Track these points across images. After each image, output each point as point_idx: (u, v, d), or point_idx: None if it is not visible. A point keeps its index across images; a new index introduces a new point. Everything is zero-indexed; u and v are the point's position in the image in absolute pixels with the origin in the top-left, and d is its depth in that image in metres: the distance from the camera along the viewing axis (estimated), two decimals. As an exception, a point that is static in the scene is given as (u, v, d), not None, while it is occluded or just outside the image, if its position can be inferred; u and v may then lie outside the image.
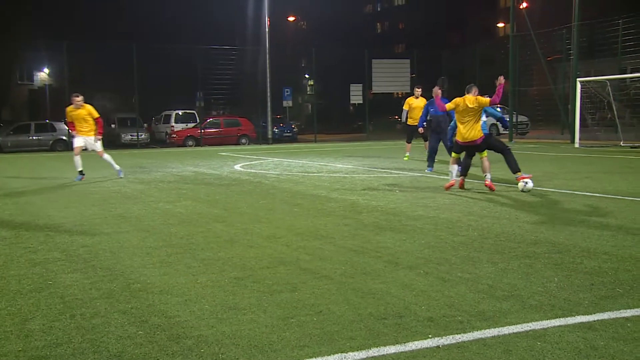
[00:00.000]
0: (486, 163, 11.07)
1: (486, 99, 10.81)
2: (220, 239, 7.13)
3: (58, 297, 4.92)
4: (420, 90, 17.87)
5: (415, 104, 17.85)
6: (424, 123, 15.54)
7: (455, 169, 11.32)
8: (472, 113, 10.86)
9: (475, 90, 11.14)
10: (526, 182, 10.52)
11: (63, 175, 15.87)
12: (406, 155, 18.63)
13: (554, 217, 8.18)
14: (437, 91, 12.72)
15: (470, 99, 10.89)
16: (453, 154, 11.55)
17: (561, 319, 4.19)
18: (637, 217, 8.01)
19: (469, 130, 10.91)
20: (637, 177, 12.70)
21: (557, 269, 5.49)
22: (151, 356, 3.72)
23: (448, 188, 11.16)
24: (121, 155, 25.38)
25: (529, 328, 4.03)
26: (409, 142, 18.79)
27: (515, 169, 11.10)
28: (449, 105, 11.49)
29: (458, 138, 11.27)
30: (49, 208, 9.84)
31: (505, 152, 11.35)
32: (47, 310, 4.59)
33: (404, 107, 18.27)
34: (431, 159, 15.18)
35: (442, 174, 13.90)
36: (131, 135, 34.54)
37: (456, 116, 11.31)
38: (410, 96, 17.85)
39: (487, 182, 10.82)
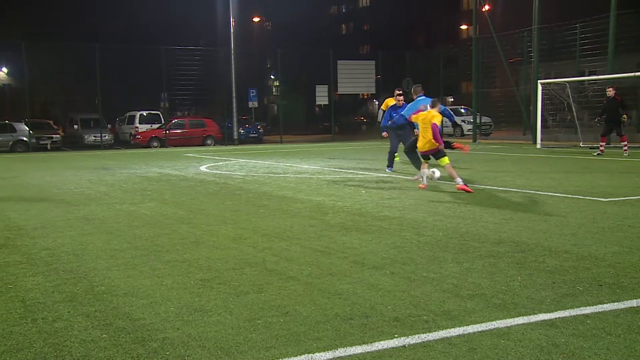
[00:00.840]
0: (450, 170, 11.19)
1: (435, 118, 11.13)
2: (186, 240, 7.07)
3: (19, 301, 4.82)
4: (400, 91, 17.75)
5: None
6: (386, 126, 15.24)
7: (425, 173, 11.62)
8: (428, 126, 11.08)
9: (439, 106, 11.36)
10: (433, 172, 11.48)
11: (24, 176, 15.55)
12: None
13: (517, 216, 8.31)
14: (399, 98, 13.69)
15: (434, 115, 11.12)
16: (422, 160, 11.88)
17: (524, 317, 4.27)
18: (597, 216, 8.19)
19: (425, 143, 11.35)
20: (595, 177, 12.98)
21: (520, 268, 5.59)
22: (115, 359, 3.67)
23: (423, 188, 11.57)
24: (84, 156, 24.99)
25: (493, 326, 4.09)
26: None
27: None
28: (414, 118, 11.72)
29: (418, 148, 11.71)
30: (9, 210, 9.64)
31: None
32: (7, 315, 4.50)
33: (381, 108, 18.10)
34: (391, 159, 15.25)
35: (407, 174, 14.01)
36: (94, 136, 34.03)
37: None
38: (389, 97, 17.42)
39: (459, 186, 10.85)
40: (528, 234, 7.07)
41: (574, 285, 5.02)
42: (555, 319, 4.22)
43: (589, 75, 29.00)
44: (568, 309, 4.42)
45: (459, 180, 10.93)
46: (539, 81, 25.91)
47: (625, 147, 19.11)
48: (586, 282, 5.11)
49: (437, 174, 11.40)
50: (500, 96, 35.66)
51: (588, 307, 4.44)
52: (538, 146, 24.94)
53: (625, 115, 19.35)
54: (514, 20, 35.45)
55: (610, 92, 19.28)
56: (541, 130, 25.43)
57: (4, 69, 51.48)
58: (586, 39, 27.46)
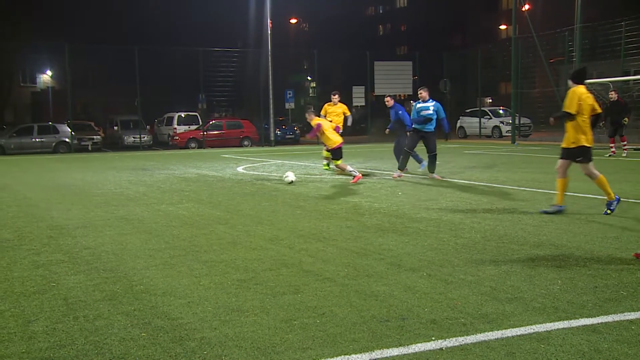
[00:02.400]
0: (342, 165, 13.42)
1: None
2: (223, 241, 7.13)
3: (61, 299, 4.92)
4: (337, 96, 18.24)
5: (331, 110, 17.93)
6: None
7: (349, 168, 13.46)
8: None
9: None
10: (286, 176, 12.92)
11: (66, 177, 15.88)
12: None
13: (557, 219, 8.16)
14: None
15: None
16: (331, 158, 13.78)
17: (565, 321, 4.19)
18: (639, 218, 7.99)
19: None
20: (639, 178, 12.68)
21: (560, 271, 5.48)
22: (154, 358, 3.72)
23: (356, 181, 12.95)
24: (124, 157, 25.42)
25: (532, 331, 4.03)
26: None
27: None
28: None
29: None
30: (51, 210, 9.86)
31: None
32: (50, 312, 4.59)
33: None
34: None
35: (448, 178, 13.90)
36: (134, 137, 34.56)
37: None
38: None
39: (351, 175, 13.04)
40: (569, 237, 6.93)
41: (617, 289, 4.91)
42: (598, 324, 4.13)
43: (634, 75, 28.32)
44: (611, 314, 4.32)
45: (349, 168, 13.20)
46: (580, 81, 25.41)
47: (625, 147, 20.31)
48: (630, 286, 4.98)
49: (291, 177, 12.89)
50: (539, 97, 35.08)
51: (632, 313, 4.34)
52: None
53: (627, 118, 20.27)
54: (554, 20, 34.87)
55: (613, 95, 20.37)
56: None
57: (49, 72, 52.68)
58: (632, 37, 26.83)
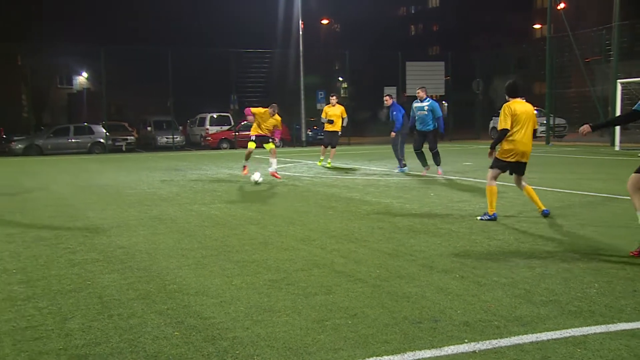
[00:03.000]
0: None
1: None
2: (255, 241, 7.16)
3: (96, 297, 4.99)
4: (334, 98, 18.90)
5: (332, 112, 18.37)
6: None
7: (274, 162, 14.59)
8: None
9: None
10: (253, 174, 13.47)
11: (101, 177, 16.13)
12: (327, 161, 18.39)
13: (594, 222, 8.02)
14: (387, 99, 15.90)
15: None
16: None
17: (602, 325, 4.10)
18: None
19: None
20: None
21: (597, 274, 5.38)
22: (187, 357, 3.75)
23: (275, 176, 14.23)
24: (157, 157, 25.71)
25: (568, 334, 3.96)
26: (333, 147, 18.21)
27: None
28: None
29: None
30: (87, 210, 10.01)
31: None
32: (86, 310, 4.66)
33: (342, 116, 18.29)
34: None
35: (480, 179, 13.76)
36: (167, 138, 34.93)
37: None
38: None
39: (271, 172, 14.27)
40: (606, 240, 6.81)
41: (655, 293, 4.80)
42: (637, 329, 4.04)
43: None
44: (650, 318, 4.22)
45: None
46: (618, 81, 24.93)
47: None
48: (669, 290, 4.87)
49: (256, 177, 13.42)
50: (575, 97, 34.48)
51: (671, 317, 4.23)
52: (616, 148, 24.04)
53: None
54: (590, 18, 34.26)
55: None
56: (620, 132, 24.46)
57: (84, 74, 53.59)
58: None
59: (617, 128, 24.47)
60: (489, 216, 8.29)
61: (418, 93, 14.86)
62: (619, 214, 8.58)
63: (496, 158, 8.44)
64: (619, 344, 3.78)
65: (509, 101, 8.39)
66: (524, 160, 8.42)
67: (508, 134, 8.25)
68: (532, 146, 8.59)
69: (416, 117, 14.75)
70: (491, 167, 8.52)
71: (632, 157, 19.55)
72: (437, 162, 14.77)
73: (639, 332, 3.98)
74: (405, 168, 15.88)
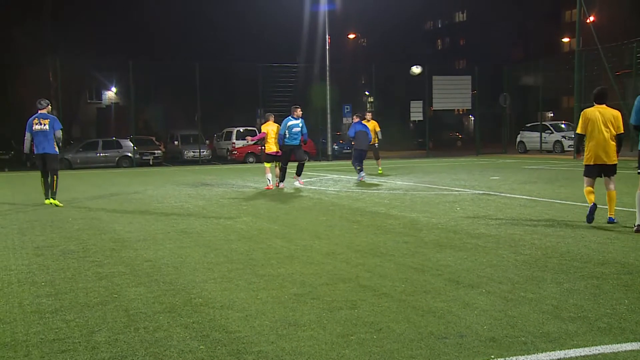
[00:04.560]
0: (277, 171, 16.07)
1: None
2: (280, 255, 7.17)
3: (123, 310, 5.04)
4: (369, 114, 20.87)
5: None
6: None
7: (270, 176, 15.85)
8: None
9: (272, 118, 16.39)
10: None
11: (128, 191, 16.32)
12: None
13: (623, 236, 7.90)
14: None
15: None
16: (266, 164, 16.27)
17: (633, 343, 4.03)
18: None
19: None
20: None
21: (627, 290, 5.29)
22: (212, 370, 3.76)
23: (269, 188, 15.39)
24: (184, 171, 25.95)
25: (597, 351, 3.89)
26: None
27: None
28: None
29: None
30: (114, 223, 10.13)
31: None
32: (112, 323, 4.71)
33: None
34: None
35: (506, 193, 13.64)
36: (193, 152, 35.25)
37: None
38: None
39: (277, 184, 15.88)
40: (636, 256, 6.69)
41: (687, 311, 4.69)
42: (667, 346, 3.95)
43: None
44: (681, 336, 4.13)
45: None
46: (647, 94, 24.58)
47: None
48: (701, 308, 4.76)
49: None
50: (604, 110, 34.03)
51: None
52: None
53: None
54: (621, 31, 33.87)
55: None
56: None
57: (114, 89, 54.41)
58: None
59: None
60: None
61: (295, 111, 16.14)
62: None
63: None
64: (649, 362, 3.71)
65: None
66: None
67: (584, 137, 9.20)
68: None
69: (289, 133, 16.02)
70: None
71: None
72: (299, 172, 16.63)
73: (670, 350, 3.90)
74: (362, 174, 18.13)
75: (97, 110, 54.30)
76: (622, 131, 9.20)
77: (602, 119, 9.05)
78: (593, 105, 9.32)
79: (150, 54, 45.89)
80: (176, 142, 38.12)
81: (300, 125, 16.15)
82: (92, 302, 5.29)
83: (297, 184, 16.48)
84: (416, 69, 20.44)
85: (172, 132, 40.75)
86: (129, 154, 31.57)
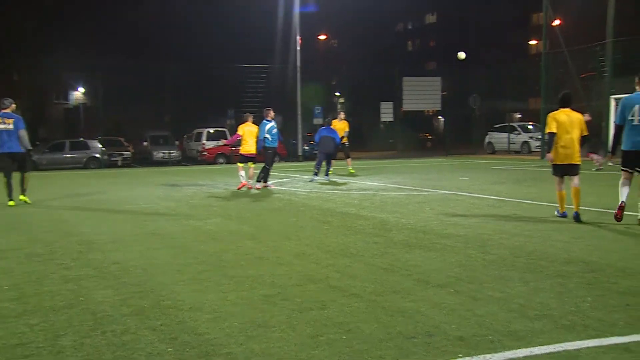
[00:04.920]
0: (251, 172, 15.97)
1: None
2: (250, 256, 7.16)
3: (90, 314, 4.98)
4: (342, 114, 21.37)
5: (339, 127, 20.09)
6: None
7: (242, 172, 15.96)
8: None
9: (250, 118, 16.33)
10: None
11: (96, 192, 16.11)
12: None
13: (587, 235, 8.04)
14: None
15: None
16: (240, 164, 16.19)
17: (595, 339, 4.11)
18: (674, 236, 7.83)
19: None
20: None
21: (590, 288, 5.39)
22: (180, 373, 3.73)
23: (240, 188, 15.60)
24: (153, 172, 25.70)
25: (561, 348, 3.96)
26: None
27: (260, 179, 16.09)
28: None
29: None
30: (82, 225, 10.00)
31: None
32: (78, 327, 4.65)
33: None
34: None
35: (475, 194, 13.79)
36: (163, 153, 34.92)
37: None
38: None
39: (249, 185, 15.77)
40: (599, 254, 6.82)
41: (649, 308, 4.80)
42: (630, 342, 4.04)
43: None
44: (643, 332, 4.23)
45: (251, 181, 15.87)
46: (611, 97, 25.07)
47: None
48: (663, 305, 4.88)
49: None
50: (570, 112, 34.62)
51: (665, 332, 4.24)
52: (610, 163, 24.08)
53: None
54: (586, 35, 34.47)
55: None
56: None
57: (81, 89, 53.70)
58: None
59: (611, 143, 24.57)
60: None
61: (269, 113, 16.33)
62: (613, 228, 8.60)
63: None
64: (611, 358, 3.78)
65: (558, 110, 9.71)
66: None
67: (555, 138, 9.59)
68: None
69: (270, 136, 16.09)
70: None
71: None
72: (261, 177, 16.30)
73: (631, 346, 3.98)
74: (315, 177, 18.46)
75: (64, 111, 53.54)
76: (587, 134, 9.72)
77: (569, 121, 9.52)
78: (558, 109, 9.73)
79: (120, 54, 45.39)
80: (145, 143, 37.71)
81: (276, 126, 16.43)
82: (57, 306, 5.22)
83: (259, 185, 16.38)
84: (462, 55, 21.45)
85: (142, 132, 40.35)
86: (97, 155, 31.15)
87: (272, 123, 16.30)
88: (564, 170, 9.66)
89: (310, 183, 17.68)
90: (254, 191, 15.45)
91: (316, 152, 36.68)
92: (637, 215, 8.91)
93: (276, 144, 16.51)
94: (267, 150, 16.22)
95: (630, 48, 29.53)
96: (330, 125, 19.63)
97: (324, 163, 19.10)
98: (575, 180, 9.62)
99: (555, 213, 9.80)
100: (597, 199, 12.08)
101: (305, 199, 13.31)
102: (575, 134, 9.52)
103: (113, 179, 22.07)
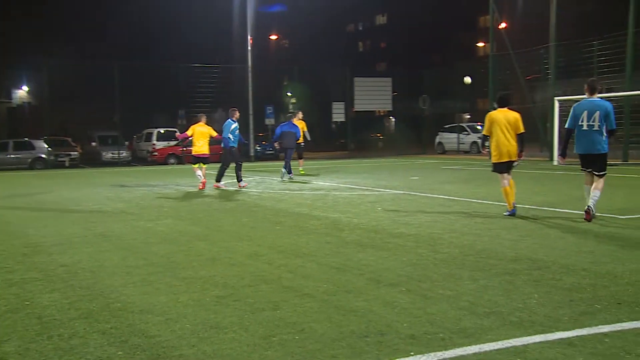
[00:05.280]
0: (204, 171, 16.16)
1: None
2: (202, 257, 7.09)
3: (35, 318, 4.85)
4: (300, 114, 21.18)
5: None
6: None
7: (198, 172, 16.08)
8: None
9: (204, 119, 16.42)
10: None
11: (42, 193, 15.71)
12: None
13: (534, 234, 8.25)
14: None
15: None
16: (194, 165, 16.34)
17: (541, 335, 4.22)
18: (615, 234, 8.10)
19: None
20: (615, 194, 12.82)
21: (537, 285, 5.53)
22: (131, 376, 3.67)
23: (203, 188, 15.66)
24: (102, 173, 25.21)
25: (509, 344, 4.05)
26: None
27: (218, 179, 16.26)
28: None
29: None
30: (27, 227, 9.73)
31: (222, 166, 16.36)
32: (23, 332, 4.52)
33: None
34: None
35: (426, 193, 13.98)
36: (112, 154, 34.28)
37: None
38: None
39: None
40: (545, 252, 7.00)
41: (592, 303, 4.96)
42: (573, 337, 4.16)
43: (606, 93, 28.76)
44: (586, 327, 4.36)
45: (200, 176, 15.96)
46: (555, 98, 25.78)
47: None
48: (604, 300, 5.04)
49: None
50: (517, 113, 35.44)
51: (607, 326, 4.38)
52: (555, 163, 24.76)
53: None
54: (531, 38, 35.36)
55: None
56: (558, 147, 25.27)
57: (25, 87, 52.22)
58: (603, 57, 27.28)
59: (556, 144, 25.28)
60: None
61: (235, 114, 16.66)
62: (557, 226, 8.84)
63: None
64: (556, 352, 3.89)
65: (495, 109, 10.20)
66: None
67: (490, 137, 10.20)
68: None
69: (233, 136, 16.38)
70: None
71: (569, 172, 20.18)
72: (237, 177, 16.57)
73: (574, 340, 4.10)
74: (289, 175, 18.93)
75: (7, 110, 51.94)
76: (523, 131, 10.12)
77: (505, 121, 10.03)
78: (496, 109, 10.28)
79: (66, 52, 44.37)
80: (94, 143, 36.95)
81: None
82: (0, 311, 5.06)
83: (223, 186, 16.35)
84: (468, 79, 22.44)
85: (90, 133, 39.49)
86: (43, 156, 30.36)
87: (236, 123, 16.31)
88: (503, 167, 10.10)
89: (263, 184, 17.64)
90: (207, 191, 15.31)
91: (269, 152, 36.64)
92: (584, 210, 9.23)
93: (236, 145, 16.58)
94: (231, 150, 16.35)
95: (572, 52, 30.44)
96: (292, 120, 19.80)
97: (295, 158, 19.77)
98: (509, 178, 10.16)
99: (505, 213, 10.01)
100: (544, 198, 12.41)
101: (257, 200, 13.27)
102: (512, 133, 10.00)
103: (60, 179, 21.57)
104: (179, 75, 33.83)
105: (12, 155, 29.89)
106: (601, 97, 9.68)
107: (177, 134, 19.75)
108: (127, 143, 37.43)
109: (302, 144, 21.23)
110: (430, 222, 9.44)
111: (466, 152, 36.92)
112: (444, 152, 38.53)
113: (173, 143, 34.95)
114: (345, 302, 5.13)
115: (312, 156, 38.49)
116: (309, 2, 63.19)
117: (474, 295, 5.23)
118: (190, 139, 16.41)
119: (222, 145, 16.63)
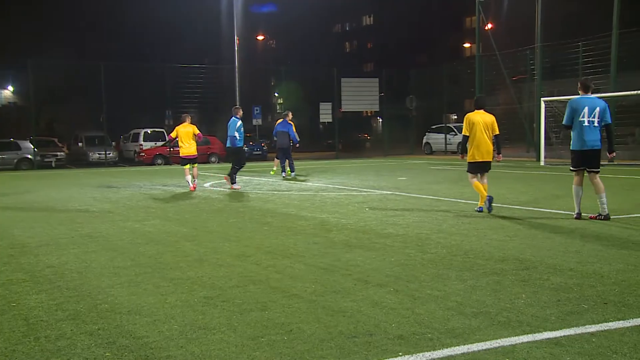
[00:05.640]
0: (195, 171, 15.97)
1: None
2: (190, 258, 7.07)
3: (22, 319, 4.81)
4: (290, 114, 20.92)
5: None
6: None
7: (188, 177, 15.88)
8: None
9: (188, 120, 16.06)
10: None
11: (28, 193, 15.59)
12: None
13: (521, 234, 8.29)
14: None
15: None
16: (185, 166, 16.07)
17: (529, 335, 4.24)
18: (601, 234, 8.16)
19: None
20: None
21: (524, 285, 5.56)
22: (119, 378, 3.66)
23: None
24: (89, 174, 25.06)
25: (497, 345, 4.07)
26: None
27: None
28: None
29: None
30: (13, 227, 9.66)
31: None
32: (9, 334, 4.49)
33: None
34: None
35: (413, 194, 14.01)
36: (99, 154, 34.10)
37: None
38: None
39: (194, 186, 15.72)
40: (532, 252, 7.04)
41: (579, 303, 4.99)
42: (561, 337, 4.19)
43: (592, 93, 28.95)
44: (573, 327, 4.39)
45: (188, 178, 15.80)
46: (542, 99, 25.94)
47: None
48: (591, 300, 5.08)
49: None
50: (503, 114, 35.56)
51: (593, 325, 4.42)
52: (542, 163, 24.92)
53: None
54: (517, 39, 35.58)
55: None
56: (545, 148, 25.42)
57: (10, 87, 51.82)
58: (589, 57, 27.50)
59: (542, 144, 25.43)
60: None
61: (239, 112, 16.35)
62: (544, 226, 8.90)
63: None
64: (544, 352, 3.91)
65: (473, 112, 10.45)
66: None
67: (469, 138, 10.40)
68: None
69: (239, 134, 15.96)
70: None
71: (555, 172, 20.30)
72: (232, 176, 16.36)
73: (562, 340, 4.13)
74: (283, 174, 19.63)
75: (-8, 110, 51.55)
76: (498, 132, 10.62)
77: (483, 122, 10.38)
78: (474, 111, 10.53)
79: (52, 52, 44.05)
80: (80, 144, 36.73)
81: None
82: (-12, 312, 5.02)
83: (230, 186, 16.16)
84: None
85: (77, 133, 39.26)
86: (29, 156, 30.14)
87: (241, 122, 16.08)
88: (478, 168, 10.50)
89: (250, 184, 17.61)
90: (196, 192, 15.26)
91: (257, 153, 36.69)
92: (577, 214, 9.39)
93: (242, 144, 16.38)
94: (236, 149, 16.13)
95: (557, 53, 30.68)
96: (286, 119, 19.99)
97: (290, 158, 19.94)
98: (485, 179, 10.63)
99: (476, 209, 10.44)
100: (531, 198, 12.48)
101: (245, 200, 13.24)
102: (488, 134, 10.37)
103: (46, 180, 21.42)
104: (165, 76, 33.70)
105: (-3, 156, 29.65)
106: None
107: (165, 140, 19.66)
108: (114, 143, 37.26)
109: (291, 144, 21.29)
110: (417, 223, 9.47)
111: (453, 153, 37.07)
112: (432, 152, 38.67)
113: (160, 143, 34.84)
114: (334, 302, 5.14)
115: (300, 156, 38.47)
116: (296, 3, 63.18)
117: (461, 296, 5.25)
118: (176, 140, 16.26)
119: (228, 144, 16.26)
